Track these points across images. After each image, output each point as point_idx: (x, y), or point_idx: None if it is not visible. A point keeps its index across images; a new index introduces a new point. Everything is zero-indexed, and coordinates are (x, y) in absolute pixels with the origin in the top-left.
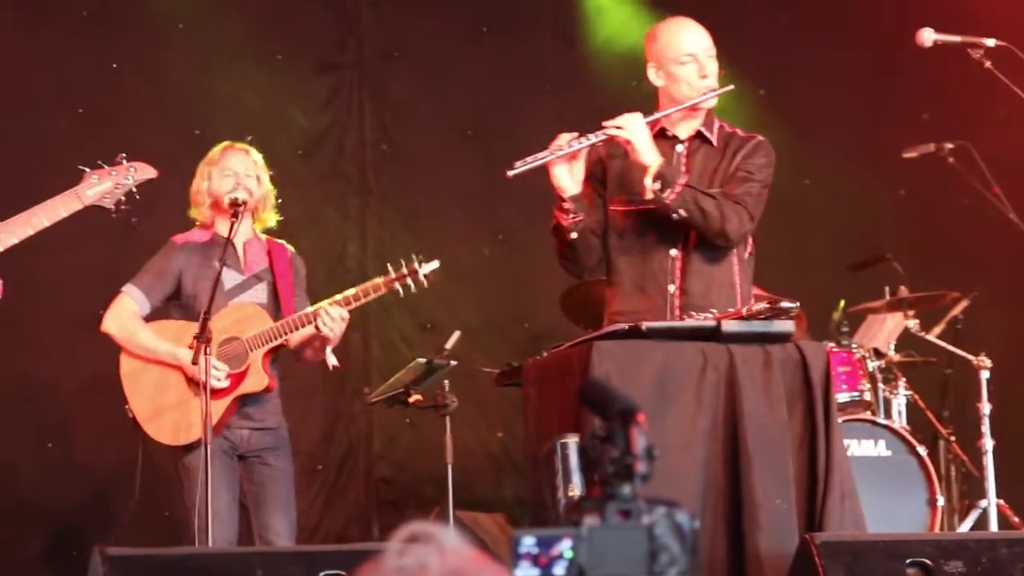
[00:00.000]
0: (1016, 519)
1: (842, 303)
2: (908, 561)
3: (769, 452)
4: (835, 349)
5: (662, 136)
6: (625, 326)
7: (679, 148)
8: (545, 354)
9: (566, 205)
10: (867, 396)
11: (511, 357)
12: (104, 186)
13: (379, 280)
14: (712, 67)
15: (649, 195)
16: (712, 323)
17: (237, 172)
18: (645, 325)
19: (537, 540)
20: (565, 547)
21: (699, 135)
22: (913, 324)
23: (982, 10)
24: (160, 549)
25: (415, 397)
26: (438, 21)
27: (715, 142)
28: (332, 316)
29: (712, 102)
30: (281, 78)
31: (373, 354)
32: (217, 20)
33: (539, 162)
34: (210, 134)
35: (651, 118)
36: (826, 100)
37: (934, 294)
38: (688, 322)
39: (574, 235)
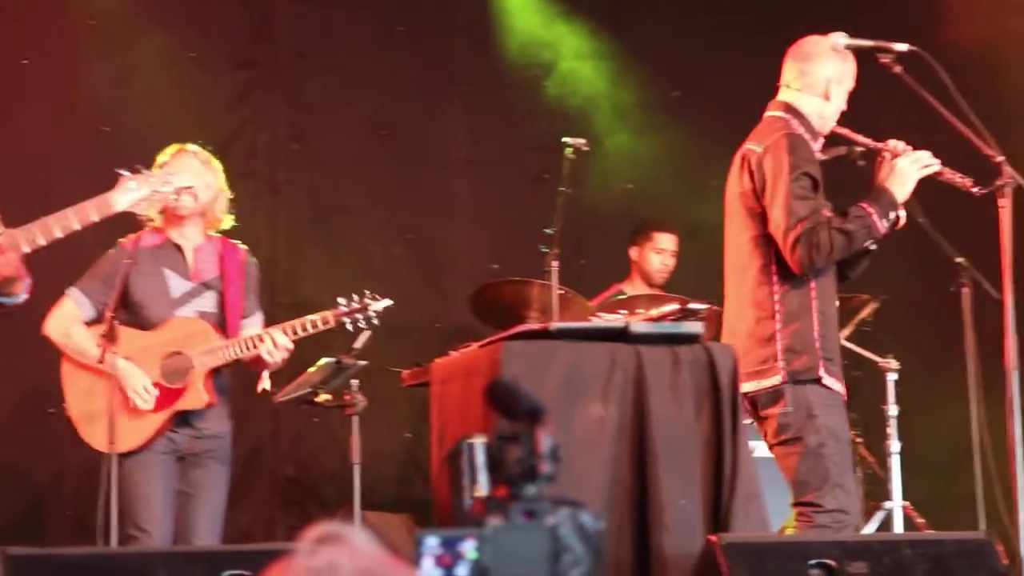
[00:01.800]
0: (921, 520)
1: None
2: (812, 562)
3: (675, 452)
4: None
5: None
6: (535, 326)
7: None
8: (453, 354)
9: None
10: None
11: (422, 357)
12: (140, 193)
13: (328, 313)
14: None
15: (902, 221)
16: (621, 324)
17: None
18: (553, 326)
19: (441, 540)
20: (469, 547)
21: None
22: None
23: (895, 15)
24: (61, 549)
25: (323, 397)
26: (352, 20)
27: None
28: (278, 345)
29: None
30: (193, 76)
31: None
32: (129, 16)
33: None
34: (120, 131)
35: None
36: (742, 104)
37: (843, 296)
38: (596, 323)
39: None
